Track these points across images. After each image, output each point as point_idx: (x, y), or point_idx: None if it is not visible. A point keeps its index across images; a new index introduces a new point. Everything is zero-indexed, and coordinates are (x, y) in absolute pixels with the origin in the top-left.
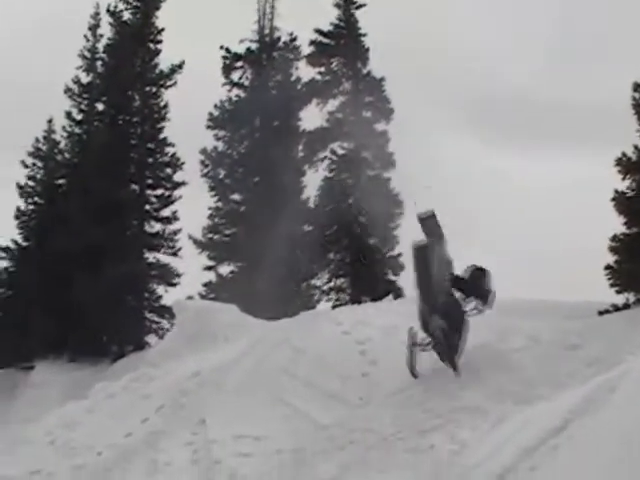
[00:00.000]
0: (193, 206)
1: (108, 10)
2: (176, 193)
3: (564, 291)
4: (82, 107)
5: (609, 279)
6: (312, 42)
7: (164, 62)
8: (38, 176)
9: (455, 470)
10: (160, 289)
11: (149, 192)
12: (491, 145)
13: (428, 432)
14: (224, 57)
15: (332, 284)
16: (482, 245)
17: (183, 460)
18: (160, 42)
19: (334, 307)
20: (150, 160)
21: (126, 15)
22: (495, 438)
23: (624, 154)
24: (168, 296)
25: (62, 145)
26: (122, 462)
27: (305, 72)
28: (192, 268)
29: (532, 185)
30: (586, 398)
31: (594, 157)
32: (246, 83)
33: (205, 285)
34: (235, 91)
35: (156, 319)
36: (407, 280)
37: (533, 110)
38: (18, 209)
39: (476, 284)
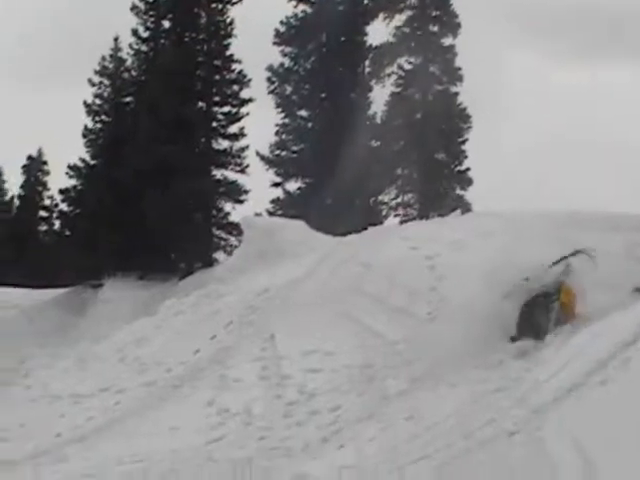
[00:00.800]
0: (260, 123)
1: None
2: (243, 110)
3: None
4: (148, 25)
5: None
6: None
7: None
8: (105, 94)
9: (525, 385)
10: (228, 206)
11: (216, 109)
12: (558, 58)
13: (498, 347)
14: None
15: (400, 200)
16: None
17: (252, 376)
18: None
19: (402, 223)
20: (217, 77)
21: None
22: (565, 352)
23: None
24: (236, 213)
25: (129, 63)
26: (191, 378)
27: None
28: (260, 185)
29: (597, 100)
30: None
31: None
32: None
33: (273, 202)
34: (301, 6)
35: (224, 236)
36: (474, 195)
37: (601, 22)
38: (86, 127)
39: None
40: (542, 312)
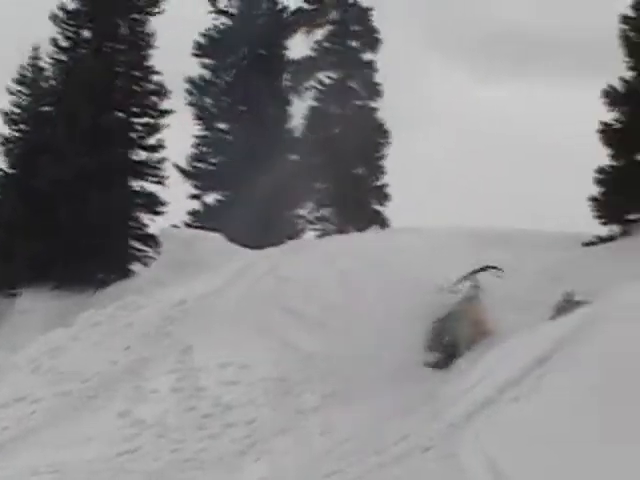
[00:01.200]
0: (179, 135)
1: None
2: (162, 121)
3: (547, 222)
4: (68, 34)
5: (594, 210)
6: None
7: None
8: (24, 103)
9: (440, 399)
10: (145, 217)
11: (135, 120)
12: (480, 78)
13: (411, 364)
14: None
15: (318, 214)
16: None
17: (167, 387)
18: None
19: (319, 237)
20: (136, 88)
21: None
22: (479, 368)
23: (611, 86)
24: (153, 225)
25: (48, 72)
26: (107, 389)
27: (292, 0)
28: (178, 197)
29: (518, 116)
30: (571, 329)
31: (582, 90)
32: (232, 11)
33: (191, 214)
34: (222, 19)
35: (141, 247)
36: (392, 210)
37: (524, 44)
38: (3, 136)
39: None
40: (453, 329)
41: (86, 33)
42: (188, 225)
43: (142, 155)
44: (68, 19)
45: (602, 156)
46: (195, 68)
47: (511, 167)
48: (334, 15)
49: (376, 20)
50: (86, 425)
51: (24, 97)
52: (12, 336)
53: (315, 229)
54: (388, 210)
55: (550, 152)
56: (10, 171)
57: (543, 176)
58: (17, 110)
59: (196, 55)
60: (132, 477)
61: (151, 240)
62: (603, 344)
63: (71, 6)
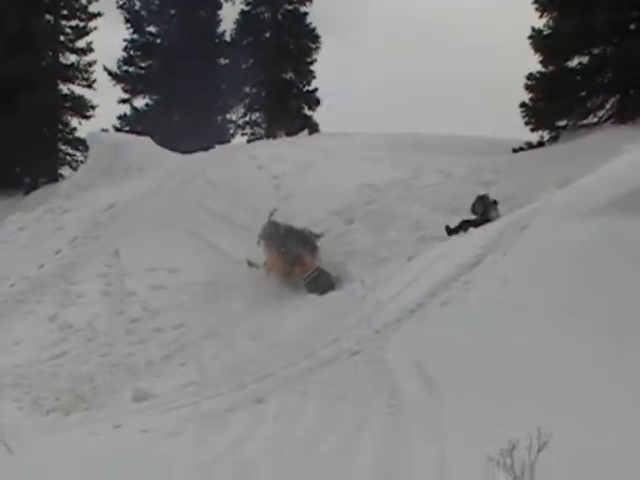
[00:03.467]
0: (109, 38)
1: None
2: (91, 24)
3: (476, 128)
4: None
5: (524, 117)
6: None
7: None
8: None
9: (369, 304)
10: (74, 121)
11: (64, 23)
12: None
13: (343, 266)
14: None
15: (247, 118)
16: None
17: (96, 292)
18: None
19: (249, 141)
20: None
21: None
22: (409, 274)
23: None
24: (82, 128)
25: None
26: (35, 294)
27: None
28: (107, 101)
29: (450, 25)
30: (499, 234)
31: None
32: None
33: (120, 118)
34: None
35: (70, 151)
36: (322, 115)
37: None
38: None
39: None
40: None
41: None
42: (117, 129)
43: (71, 58)
44: None
45: (532, 62)
46: None
47: (443, 75)
48: None
49: None
50: (14, 330)
51: None
52: None
53: (245, 134)
54: (318, 115)
55: (481, 59)
56: None
57: (475, 83)
58: None
59: None
60: (61, 381)
61: (80, 144)
62: (530, 246)
63: None
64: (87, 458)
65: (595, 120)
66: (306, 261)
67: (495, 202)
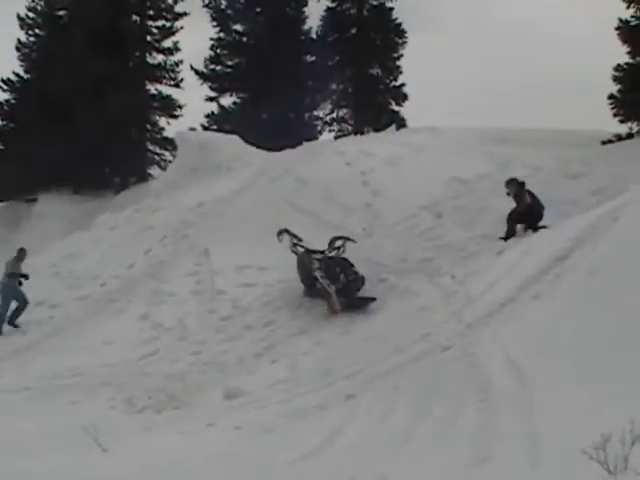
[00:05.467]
0: (195, 37)
1: None
2: (177, 24)
3: (565, 122)
4: None
5: (612, 109)
6: None
7: None
8: (39, 7)
9: (460, 299)
10: (162, 121)
11: (150, 23)
12: None
13: (433, 260)
14: None
15: (334, 115)
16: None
17: (186, 290)
18: None
19: (336, 138)
20: None
21: None
22: (499, 268)
23: None
24: (170, 128)
25: None
26: (126, 293)
27: None
28: (194, 100)
29: (534, 18)
30: (589, 227)
31: None
32: None
33: (207, 116)
34: None
35: (158, 151)
36: (409, 110)
37: None
38: (19, 41)
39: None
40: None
41: None
42: (205, 128)
43: (158, 58)
44: None
45: (620, 54)
46: None
47: (529, 69)
48: None
49: None
50: (106, 329)
51: (39, 1)
52: (30, 241)
53: (332, 130)
54: (405, 110)
55: (568, 51)
56: (26, 76)
57: (562, 75)
58: (32, 15)
59: None
60: (153, 380)
61: (168, 143)
62: (621, 239)
63: None
64: (180, 456)
65: None
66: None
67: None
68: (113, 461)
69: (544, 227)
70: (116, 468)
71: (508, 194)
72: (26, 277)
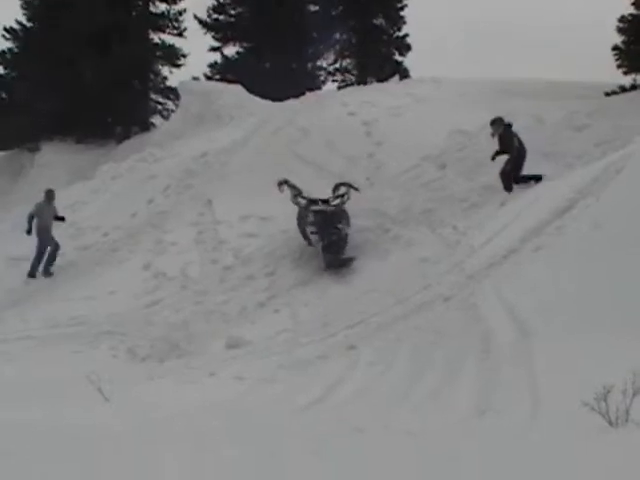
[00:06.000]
0: None
1: None
2: None
3: (568, 72)
4: None
5: (616, 60)
6: None
7: None
8: None
9: (462, 250)
10: (165, 70)
11: None
12: None
13: (435, 211)
14: None
15: (338, 65)
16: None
17: (189, 240)
18: None
19: (339, 88)
20: None
21: None
22: (501, 219)
23: None
24: (173, 77)
25: None
26: (128, 242)
27: None
28: (198, 49)
29: None
30: (592, 178)
31: None
32: None
33: (210, 66)
34: None
35: (161, 100)
36: (413, 60)
37: None
38: None
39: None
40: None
41: None
42: (208, 77)
43: (161, 7)
44: None
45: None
46: None
47: (531, 17)
48: None
49: None
50: (109, 278)
51: None
52: (31, 190)
53: (335, 80)
54: (408, 60)
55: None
56: (29, 25)
57: (564, 25)
58: None
59: None
60: (155, 329)
61: (171, 93)
62: (624, 190)
63: None
64: (182, 405)
65: None
66: None
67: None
68: (115, 410)
69: (539, 178)
70: (118, 417)
71: (492, 135)
72: (62, 219)
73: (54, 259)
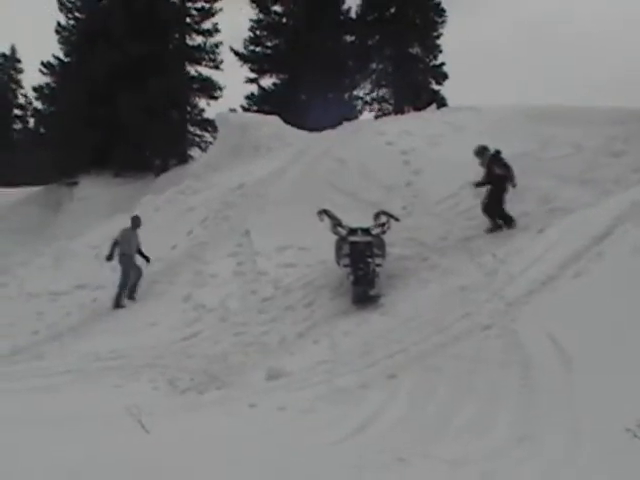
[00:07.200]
0: (234, 19)
1: None
2: (216, 5)
3: (603, 98)
4: None
5: None
6: None
7: None
8: None
9: (501, 278)
10: (202, 102)
11: (189, 5)
12: None
13: (473, 239)
14: None
15: (375, 94)
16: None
17: (228, 271)
18: None
19: (377, 117)
20: None
21: None
22: (540, 245)
23: None
24: (210, 109)
25: None
26: (169, 274)
27: None
28: (234, 81)
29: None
30: (632, 203)
31: None
32: None
33: (247, 98)
34: None
35: (199, 132)
36: (450, 89)
37: None
38: (59, 24)
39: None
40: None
41: None
42: (245, 109)
43: (198, 40)
44: None
45: None
46: None
47: (563, 49)
48: None
49: None
50: (149, 310)
51: None
52: (71, 224)
53: (372, 110)
54: (445, 89)
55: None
56: (67, 59)
57: (599, 55)
58: (71, 0)
59: None
60: (195, 361)
61: (208, 125)
62: None
63: None
64: (222, 437)
65: None
66: None
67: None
68: (156, 442)
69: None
70: (159, 449)
71: (480, 164)
72: (147, 259)
73: (136, 286)
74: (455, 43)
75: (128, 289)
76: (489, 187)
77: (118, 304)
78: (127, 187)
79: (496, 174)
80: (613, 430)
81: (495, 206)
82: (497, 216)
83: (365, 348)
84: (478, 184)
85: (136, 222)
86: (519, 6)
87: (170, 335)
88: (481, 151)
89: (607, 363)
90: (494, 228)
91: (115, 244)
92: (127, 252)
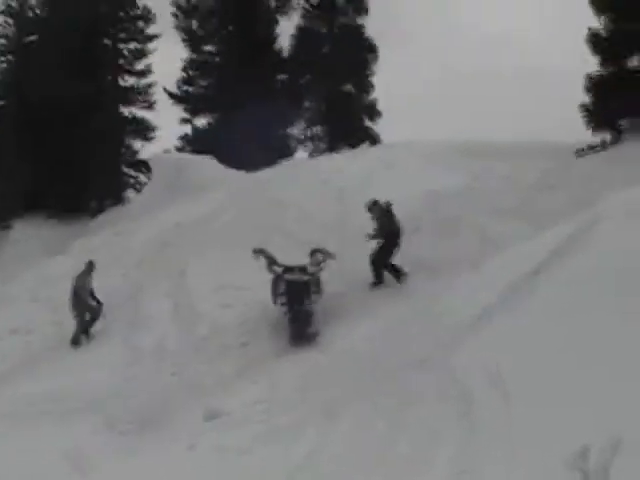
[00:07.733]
0: (167, 59)
1: None
2: (149, 46)
3: (537, 133)
4: None
5: (584, 117)
6: None
7: None
8: (9, 33)
9: (436, 311)
10: (136, 143)
11: (122, 46)
12: None
13: (407, 276)
14: None
15: (309, 132)
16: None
17: (165, 312)
18: None
19: (311, 155)
20: (121, 14)
21: None
22: (475, 280)
23: None
24: (145, 150)
25: (32, 1)
26: (105, 317)
27: None
28: (168, 121)
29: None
30: (566, 238)
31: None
32: None
33: (181, 138)
34: None
35: (133, 173)
36: (383, 126)
37: None
38: None
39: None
40: None
41: None
42: (179, 149)
43: (131, 81)
44: None
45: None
46: None
47: (497, 81)
48: None
49: None
50: (85, 353)
51: (10, 27)
52: (6, 268)
53: (306, 148)
54: (379, 126)
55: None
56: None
57: (532, 88)
58: (3, 41)
59: None
60: (134, 402)
61: (143, 166)
62: (596, 250)
63: None
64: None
65: None
66: None
67: None
68: None
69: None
70: None
71: (372, 218)
72: (99, 302)
73: (93, 324)
74: (388, 78)
75: (83, 327)
76: (380, 241)
77: (75, 341)
78: (62, 229)
79: (388, 230)
80: (552, 462)
81: (383, 260)
82: (387, 270)
83: (302, 386)
84: (372, 237)
85: (90, 267)
86: (452, 39)
87: (107, 377)
88: (371, 206)
89: (545, 395)
90: (378, 282)
91: (74, 291)
92: (82, 295)
